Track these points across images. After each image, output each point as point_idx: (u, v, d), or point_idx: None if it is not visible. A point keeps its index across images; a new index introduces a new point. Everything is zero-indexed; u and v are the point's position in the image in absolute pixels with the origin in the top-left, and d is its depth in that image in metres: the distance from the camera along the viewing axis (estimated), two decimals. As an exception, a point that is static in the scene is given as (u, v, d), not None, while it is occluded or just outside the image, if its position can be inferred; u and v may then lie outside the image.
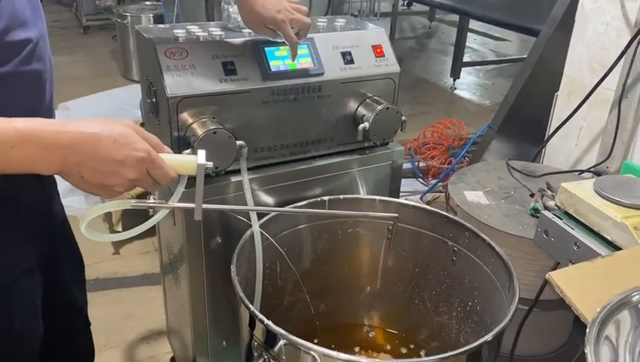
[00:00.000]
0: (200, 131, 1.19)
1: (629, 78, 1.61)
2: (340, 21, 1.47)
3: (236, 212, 1.27)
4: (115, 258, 2.53)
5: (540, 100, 2.01)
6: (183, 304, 1.45)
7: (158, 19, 4.58)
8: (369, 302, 1.51)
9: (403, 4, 7.32)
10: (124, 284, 2.39)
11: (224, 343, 1.46)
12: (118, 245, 2.59)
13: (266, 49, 1.30)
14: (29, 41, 0.89)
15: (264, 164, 1.36)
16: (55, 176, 0.91)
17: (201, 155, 0.92)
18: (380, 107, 1.38)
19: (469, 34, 5.09)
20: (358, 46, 1.41)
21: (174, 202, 0.95)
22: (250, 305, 1.02)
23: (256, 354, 1.05)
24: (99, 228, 2.48)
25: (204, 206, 0.97)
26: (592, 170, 1.70)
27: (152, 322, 2.14)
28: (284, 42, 1.25)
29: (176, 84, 1.20)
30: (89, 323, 1.35)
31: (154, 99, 1.28)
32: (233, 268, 1.11)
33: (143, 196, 1.69)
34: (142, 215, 0.99)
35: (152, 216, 0.99)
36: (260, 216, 1.25)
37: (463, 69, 5.00)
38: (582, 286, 0.85)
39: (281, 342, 0.98)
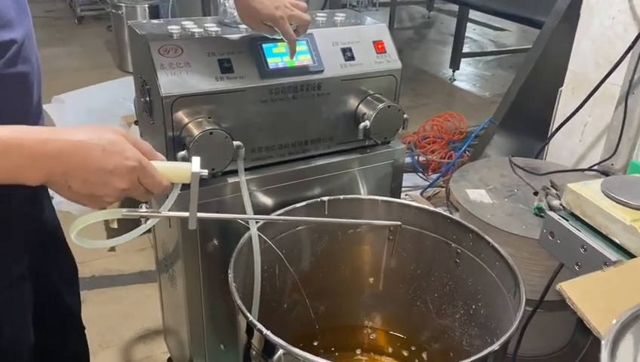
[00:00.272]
0: (196, 131, 1.15)
1: (635, 74, 1.57)
2: (340, 15, 1.43)
3: (233, 219, 1.24)
4: (110, 255, 2.50)
5: (543, 95, 1.97)
6: (179, 306, 1.42)
7: (154, 10, 4.52)
8: (370, 303, 1.48)
9: (402, -6, 7.27)
10: (121, 282, 2.36)
11: (222, 346, 1.43)
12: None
13: (264, 46, 1.26)
14: (14, 42, 0.84)
15: (262, 164, 1.33)
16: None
17: (196, 163, 0.87)
18: (381, 105, 1.34)
19: (468, 24, 5.03)
20: (359, 42, 1.37)
21: (166, 211, 0.91)
22: (248, 314, 0.99)
23: (254, 362, 1.03)
24: (94, 226, 2.44)
25: (199, 214, 0.93)
26: (596, 167, 1.67)
27: (149, 321, 2.11)
28: (282, 39, 1.21)
29: (170, 82, 1.16)
30: (83, 327, 1.32)
31: (148, 98, 1.24)
32: (230, 273, 1.08)
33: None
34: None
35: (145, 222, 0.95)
36: (259, 217, 1.22)
37: (462, 59, 4.94)
38: (593, 298, 0.82)
39: (280, 352, 0.95)
